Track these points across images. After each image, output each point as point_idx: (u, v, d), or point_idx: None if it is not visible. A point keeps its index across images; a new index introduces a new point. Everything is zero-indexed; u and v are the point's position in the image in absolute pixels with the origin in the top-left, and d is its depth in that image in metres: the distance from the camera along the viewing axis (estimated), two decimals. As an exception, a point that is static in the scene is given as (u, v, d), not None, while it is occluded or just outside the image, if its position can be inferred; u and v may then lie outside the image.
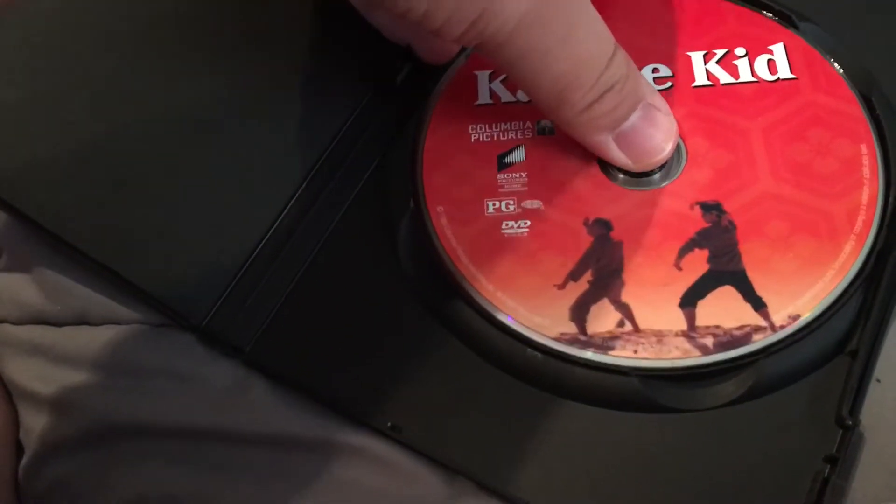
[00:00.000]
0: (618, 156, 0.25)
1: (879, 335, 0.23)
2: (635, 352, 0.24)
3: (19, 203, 0.25)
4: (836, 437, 0.22)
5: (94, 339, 0.26)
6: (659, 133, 0.25)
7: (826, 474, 0.21)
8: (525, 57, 0.23)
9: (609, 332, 0.24)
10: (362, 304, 0.26)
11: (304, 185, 0.27)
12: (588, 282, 0.25)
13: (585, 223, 0.26)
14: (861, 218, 0.25)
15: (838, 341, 0.24)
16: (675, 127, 0.26)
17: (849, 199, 0.25)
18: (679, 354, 0.24)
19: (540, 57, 0.23)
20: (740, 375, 0.23)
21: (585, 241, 0.25)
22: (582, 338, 0.24)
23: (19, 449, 0.27)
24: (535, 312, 0.24)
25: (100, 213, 0.26)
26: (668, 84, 0.28)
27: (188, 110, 0.27)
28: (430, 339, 0.25)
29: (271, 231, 0.26)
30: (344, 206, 0.27)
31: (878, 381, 0.23)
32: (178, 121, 0.26)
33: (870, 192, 0.25)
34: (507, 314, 0.24)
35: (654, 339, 0.24)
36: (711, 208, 0.25)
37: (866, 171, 0.26)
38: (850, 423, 0.22)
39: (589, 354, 0.24)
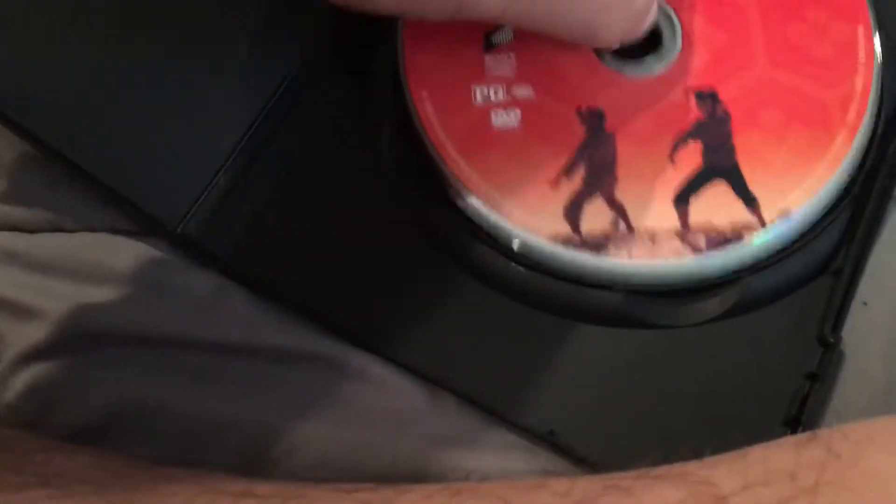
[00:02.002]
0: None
1: (864, 253, 0.23)
2: (629, 254, 0.24)
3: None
4: (817, 356, 0.22)
5: (69, 245, 0.25)
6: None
7: (806, 391, 0.22)
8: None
9: (603, 232, 0.24)
10: (345, 211, 0.25)
11: (284, 85, 0.25)
12: (581, 179, 0.24)
13: (579, 112, 0.25)
14: (854, 108, 0.24)
15: (823, 260, 0.24)
16: None
17: (843, 86, 0.25)
18: (672, 254, 0.23)
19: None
20: (724, 292, 0.23)
21: (579, 132, 0.24)
22: (576, 238, 0.24)
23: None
24: (528, 212, 0.24)
25: (74, 112, 0.24)
26: None
27: (165, 9, 0.25)
28: (416, 249, 0.24)
29: (250, 133, 0.25)
30: (327, 107, 0.26)
31: (865, 304, 0.23)
32: (154, 19, 0.25)
33: (864, 80, 0.24)
34: (501, 215, 0.24)
35: (647, 239, 0.24)
36: (706, 97, 0.25)
37: (862, 56, 0.25)
38: (832, 340, 0.22)
39: (577, 258, 0.24)
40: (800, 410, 0.22)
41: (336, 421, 0.24)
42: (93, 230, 0.25)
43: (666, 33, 0.25)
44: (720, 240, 0.23)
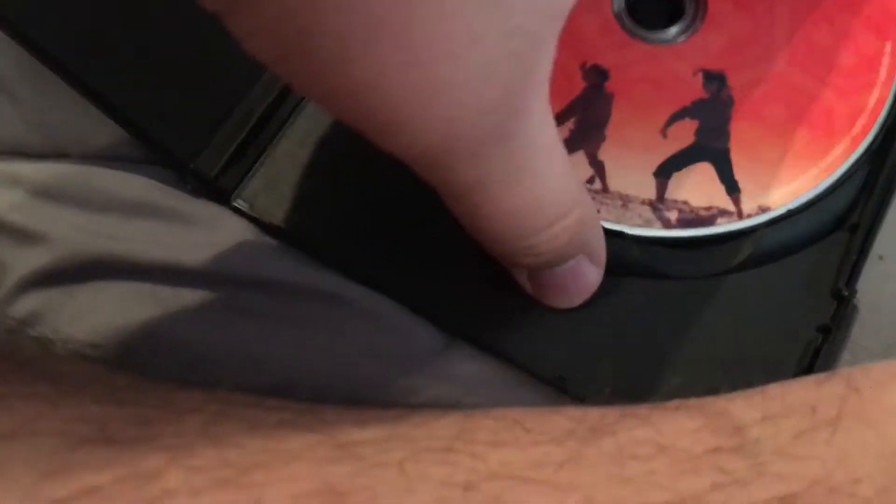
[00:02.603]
0: (524, 285, 0.22)
1: (882, 208, 0.23)
2: (598, 211, 0.23)
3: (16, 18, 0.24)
4: (831, 309, 0.22)
5: (75, 171, 0.25)
6: (576, 291, 0.22)
7: (819, 343, 0.22)
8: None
9: None
10: (359, 151, 0.24)
11: None
12: (569, 130, 0.24)
13: (582, 67, 0.24)
14: (861, 122, 0.24)
15: (839, 215, 0.24)
16: (597, 284, 0.22)
17: (856, 98, 0.25)
18: (640, 223, 0.23)
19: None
20: (737, 245, 0.23)
21: (578, 86, 0.24)
22: None
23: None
24: None
25: (94, 37, 0.24)
26: None
27: None
28: (429, 193, 0.23)
29: (264, 69, 0.24)
30: None
31: (881, 258, 0.23)
32: None
33: (878, 96, 0.25)
34: None
35: (619, 202, 0.23)
36: (714, 78, 0.25)
37: (883, 73, 0.25)
38: (847, 294, 0.22)
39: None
40: (811, 363, 0.22)
41: (343, 357, 0.23)
42: (101, 157, 0.25)
43: (689, 7, 0.25)
44: (692, 219, 0.24)
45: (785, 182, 0.24)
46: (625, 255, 0.23)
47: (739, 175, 0.24)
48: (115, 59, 0.24)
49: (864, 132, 0.24)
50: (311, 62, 0.16)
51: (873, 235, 0.23)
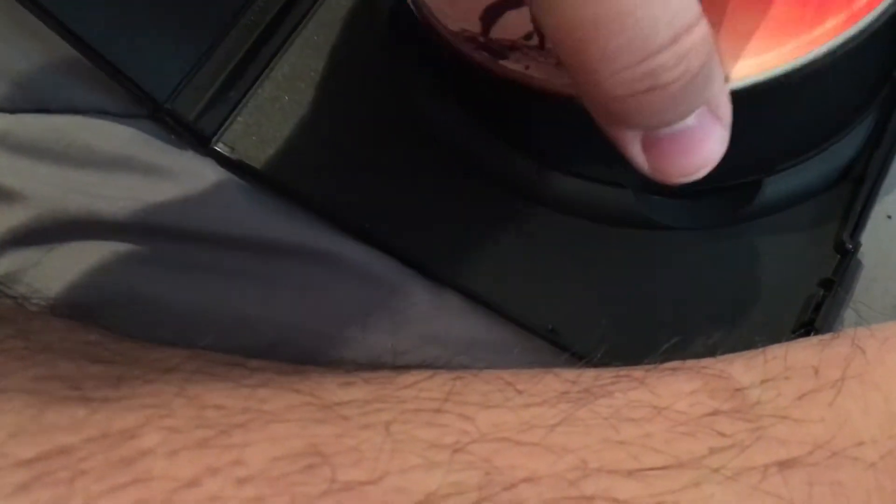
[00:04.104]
0: (636, 157, 0.19)
1: (888, 160, 0.22)
2: (526, 67, 0.21)
3: None
4: (833, 263, 0.22)
5: (52, 127, 0.24)
6: (701, 155, 0.18)
7: (821, 297, 0.21)
8: None
9: (511, 41, 0.21)
10: (343, 90, 0.24)
11: None
12: None
13: None
14: None
15: (844, 166, 0.23)
16: (723, 148, 0.18)
17: None
18: (567, 83, 0.19)
19: None
20: (740, 195, 0.22)
21: None
22: (481, 39, 0.21)
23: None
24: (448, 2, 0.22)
25: None
26: None
27: None
28: (418, 139, 0.23)
29: (245, 10, 0.24)
30: None
31: (889, 217, 0.22)
32: None
33: None
34: None
35: (553, 60, 0.21)
36: None
37: None
38: (850, 247, 0.21)
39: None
40: (812, 317, 0.21)
41: (331, 316, 0.22)
42: (79, 112, 0.24)
43: None
44: None
45: (758, 52, 0.19)
46: (624, 204, 0.22)
47: None
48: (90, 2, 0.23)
49: (870, 6, 0.19)
50: None
51: (878, 186, 0.22)
